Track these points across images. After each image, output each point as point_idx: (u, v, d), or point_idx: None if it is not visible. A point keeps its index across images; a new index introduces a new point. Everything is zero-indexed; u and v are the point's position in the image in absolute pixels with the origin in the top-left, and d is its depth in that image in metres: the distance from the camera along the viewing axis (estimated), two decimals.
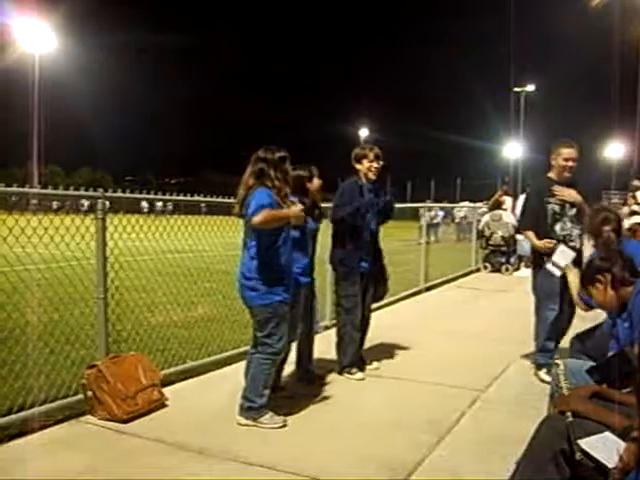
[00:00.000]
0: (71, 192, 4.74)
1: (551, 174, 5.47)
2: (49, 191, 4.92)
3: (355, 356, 5.38)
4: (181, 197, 5.65)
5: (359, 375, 5.31)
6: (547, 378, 4.90)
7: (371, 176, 5.37)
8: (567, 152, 5.36)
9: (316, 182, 5.02)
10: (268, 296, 4.09)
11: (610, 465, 2.28)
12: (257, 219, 3.94)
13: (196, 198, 5.74)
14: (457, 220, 25.10)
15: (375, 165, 5.37)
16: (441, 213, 23.34)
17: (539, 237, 5.31)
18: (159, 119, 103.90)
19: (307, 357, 5.16)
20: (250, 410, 4.17)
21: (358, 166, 5.39)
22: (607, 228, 4.42)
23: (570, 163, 5.34)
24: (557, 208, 5.32)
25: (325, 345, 5.59)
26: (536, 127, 56.83)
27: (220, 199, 5.71)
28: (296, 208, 4.16)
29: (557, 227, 5.32)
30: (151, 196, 5.15)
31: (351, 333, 5.33)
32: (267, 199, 4.02)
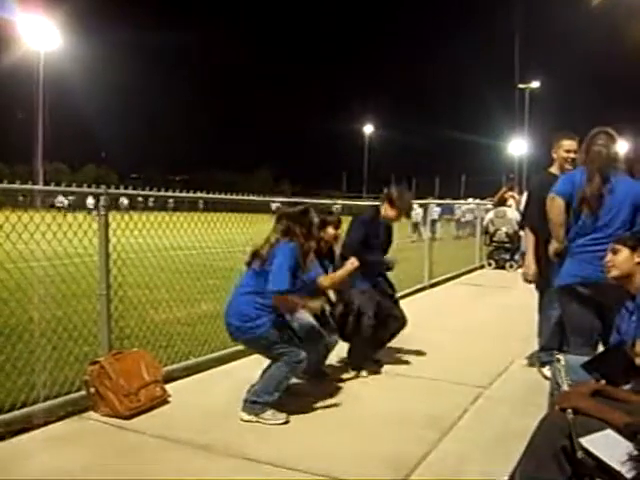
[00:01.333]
0: (74, 189, 4.76)
1: (552, 169, 5.39)
2: (53, 188, 4.94)
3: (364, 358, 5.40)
4: (179, 194, 5.64)
5: (363, 373, 5.31)
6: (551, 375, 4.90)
7: (387, 220, 5.50)
8: (568, 144, 5.29)
9: (330, 232, 5.13)
10: (256, 330, 4.16)
11: (612, 464, 2.26)
12: (276, 302, 4.13)
13: (197, 195, 5.74)
14: (456, 217, 24.99)
15: (400, 217, 5.50)
16: (437, 210, 23.06)
17: (541, 235, 5.23)
18: (165, 117, 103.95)
19: (322, 358, 5.13)
20: (254, 404, 4.17)
21: (388, 208, 5.41)
22: (600, 142, 4.31)
23: (571, 155, 5.25)
24: None
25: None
26: (541, 124, 56.70)
27: (219, 195, 5.74)
28: (316, 304, 4.39)
29: None
30: (154, 193, 5.13)
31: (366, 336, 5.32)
32: (287, 275, 4.08)
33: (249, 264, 4.33)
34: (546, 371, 5.21)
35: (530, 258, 5.22)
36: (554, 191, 4.50)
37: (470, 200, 25.06)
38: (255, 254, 4.28)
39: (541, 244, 5.11)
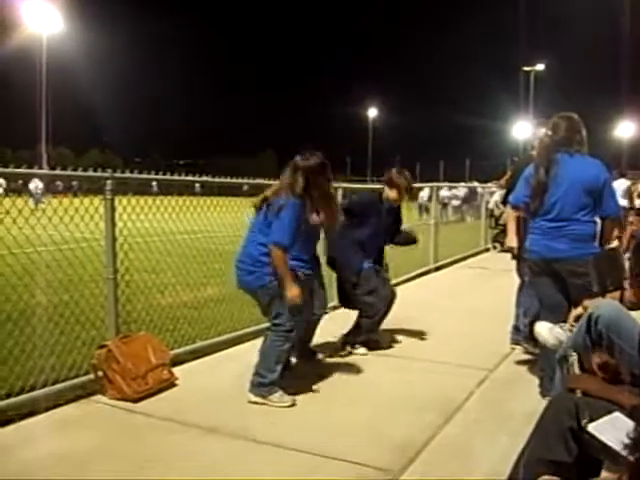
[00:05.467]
0: (79, 173, 4.75)
1: (535, 152, 5.46)
2: (57, 172, 4.94)
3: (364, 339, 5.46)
4: (184, 178, 5.61)
5: (362, 350, 5.40)
6: (538, 350, 5.03)
7: (390, 201, 5.50)
8: None
9: None
10: (264, 277, 4.14)
11: (616, 447, 2.26)
12: (274, 254, 4.06)
13: (201, 179, 5.74)
14: (445, 201, 24.73)
15: (402, 196, 5.50)
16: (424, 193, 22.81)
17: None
18: (168, 101, 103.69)
19: (307, 333, 5.17)
20: (260, 386, 4.20)
21: (387, 190, 5.48)
22: (543, 131, 4.42)
23: None
24: None
25: (332, 325, 5.59)
26: (546, 107, 56.35)
27: (220, 179, 5.75)
28: (294, 292, 4.13)
29: None
30: (159, 177, 5.13)
31: (371, 324, 5.40)
32: (292, 227, 4.06)
33: (259, 208, 4.29)
34: (531, 347, 5.32)
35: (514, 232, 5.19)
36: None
37: (462, 184, 24.80)
38: (265, 199, 4.25)
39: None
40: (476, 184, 23.33)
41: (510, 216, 5.21)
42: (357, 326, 5.44)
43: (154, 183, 5.90)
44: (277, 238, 4.06)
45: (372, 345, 5.49)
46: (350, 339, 5.43)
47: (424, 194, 22.90)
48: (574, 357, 2.93)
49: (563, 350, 3.07)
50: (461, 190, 25.43)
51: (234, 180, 6.16)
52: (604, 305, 3.00)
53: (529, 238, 4.47)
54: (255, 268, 4.16)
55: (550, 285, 4.30)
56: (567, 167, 4.23)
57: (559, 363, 3.10)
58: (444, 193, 23.56)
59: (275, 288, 4.14)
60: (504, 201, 5.49)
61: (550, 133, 4.34)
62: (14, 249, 4.35)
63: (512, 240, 5.07)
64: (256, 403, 4.17)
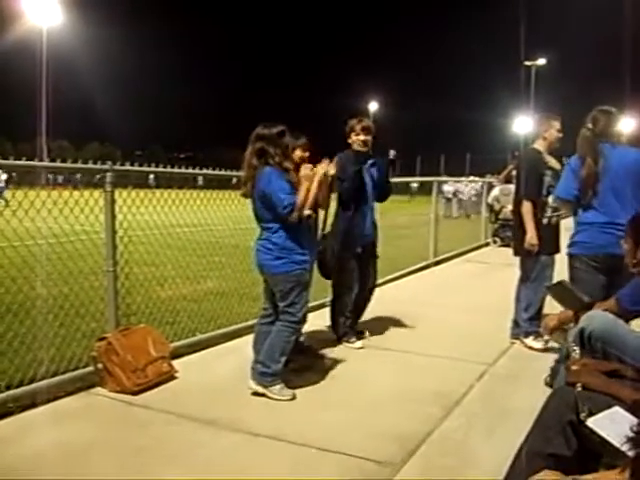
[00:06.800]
0: (79, 165, 4.75)
1: (538, 146, 5.49)
2: (57, 164, 4.93)
3: (347, 327, 5.45)
4: (184, 170, 5.62)
5: (358, 344, 5.39)
6: (536, 345, 5.36)
7: (358, 148, 5.30)
8: (559, 124, 5.45)
9: (297, 154, 4.67)
10: (291, 265, 4.16)
11: (616, 442, 2.25)
12: (291, 213, 4.05)
13: (202, 172, 5.73)
14: (448, 196, 24.47)
15: (362, 138, 5.27)
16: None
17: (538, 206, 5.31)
18: (169, 94, 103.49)
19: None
20: (263, 375, 4.20)
21: (349, 140, 5.36)
22: (586, 125, 4.40)
23: (561, 135, 5.43)
24: (552, 181, 5.27)
25: (328, 320, 5.59)
26: (546, 101, 56.22)
27: (217, 172, 5.75)
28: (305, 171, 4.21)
29: (550, 199, 5.31)
30: (159, 169, 5.12)
31: (344, 307, 5.41)
32: (285, 189, 4.05)
33: (246, 195, 4.29)
34: (530, 341, 5.43)
35: (533, 228, 5.29)
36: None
37: (463, 178, 24.56)
38: (245, 182, 4.25)
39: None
40: (488, 178, 23.16)
41: (529, 213, 5.25)
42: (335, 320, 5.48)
43: (151, 176, 5.88)
44: (284, 202, 4.02)
45: (358, 336, 5.51)
46: (340, 332, 5.44)
47: (449, 188, 23.13)
48: (577, 351, 2.94)
49: (566, 348, 3.08)
50: (469, 185, 25.19)
51: (233, 173, 6.14)
52: (596, 318, 3.01)
53: (586, 232, 4.36)
54: (282, 254, 4.16)
55: (598, 281, 4.22)
56: (613, 157, 4.26)
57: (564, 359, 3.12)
58: (448, 188, 23.55)
59: (299, 276, 4.18)
60: (519, 196, 5.44)
61: (590, 126, 4.36)
62: (14, 241, 4.34)
63: (534, 237, 5.15)
64: (256, 393, 4.18)
